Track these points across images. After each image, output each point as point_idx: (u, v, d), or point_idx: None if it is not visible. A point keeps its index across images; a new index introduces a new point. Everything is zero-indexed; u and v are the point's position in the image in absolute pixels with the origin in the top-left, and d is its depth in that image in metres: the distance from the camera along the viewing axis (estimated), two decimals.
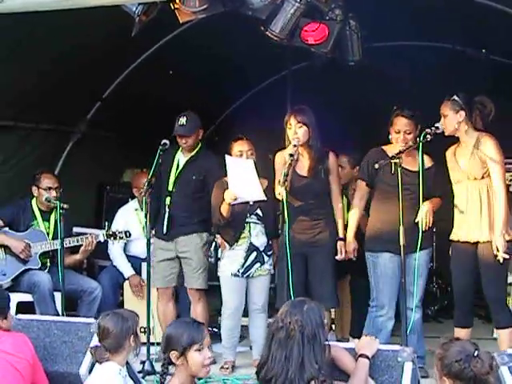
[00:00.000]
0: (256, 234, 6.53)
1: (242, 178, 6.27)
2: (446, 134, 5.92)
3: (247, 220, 6.53)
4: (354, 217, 6.31)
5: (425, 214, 5.99)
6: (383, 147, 6.22)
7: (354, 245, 6.24)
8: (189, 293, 6.85)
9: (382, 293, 6.09)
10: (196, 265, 6.73)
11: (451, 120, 5.87)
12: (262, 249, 6.52)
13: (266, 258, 6.53)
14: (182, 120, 6.70)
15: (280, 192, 5.96)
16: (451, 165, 6.03)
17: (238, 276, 6.50)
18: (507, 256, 5.70)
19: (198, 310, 6.79)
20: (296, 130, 6.18)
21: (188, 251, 6.75)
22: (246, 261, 6.49)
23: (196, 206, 6.79)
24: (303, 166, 6.29)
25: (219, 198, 6.43)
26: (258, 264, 6.51)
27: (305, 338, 3.92)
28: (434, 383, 3.83)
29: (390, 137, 6.19)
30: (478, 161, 5.83)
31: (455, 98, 5.88)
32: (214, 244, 6.69)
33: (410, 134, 6.09)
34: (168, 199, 6.77)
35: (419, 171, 6.04)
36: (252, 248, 6.51)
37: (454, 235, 6.00)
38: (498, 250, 5.70)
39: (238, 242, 6.53)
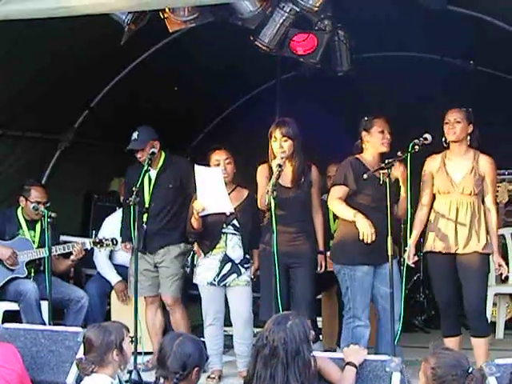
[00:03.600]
0: (232, 246, 6.49)
1: (210, 188, 6.26)
2: (452, 139, 5.94)
3: (224, 230, 6.49)
4: (341, 204, 6.14)
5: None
6: (357, 156, 6.18)
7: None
8: (164, 302, 6.88)
9: (360, 304, 6.05)
10: (171, 273, 6.75)
11: (463, 128, 5.92)
12: (237, 262, 6.48)
13: (242, 270, 6.48)
14: (134, 135, 6.80)
15: (268, 202, 5.93)
16: (438, 174, 6.02)
17: (215, 285, 6.48)
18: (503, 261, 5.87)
19: (176, 318, 6.83)
20: (281, 144, 6.18)
21: (164, 260, 6.78)
22: (221, 270, 6.46)
23: (173, 218, 6.81)
24: (287, 178, 6.27)
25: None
26: (235, 275, 6.46)
27: (289, 356, 3.87)
28: None
29: (363, 146, 6.16)
30: (476, 178, 5.89)
31: (470, 110, 5.96)
32: (191, 253, 6.68)
33: (391, 134, 6.10)
34: (145, 216, 6.79)
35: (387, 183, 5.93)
36: (227, 259, 6.46)
37: (430, 246, 6.02)
38: (500, 266, 5.89)
39: (212, 251, 6.51)
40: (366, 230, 5.85)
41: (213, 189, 6.25)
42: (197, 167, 6.28)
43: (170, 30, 6.00)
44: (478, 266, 5.88)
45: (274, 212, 5.89)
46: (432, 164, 6.11)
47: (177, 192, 6.81)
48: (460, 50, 7.88)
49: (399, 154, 5.92)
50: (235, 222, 6.51)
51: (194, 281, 6.65)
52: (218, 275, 6.46)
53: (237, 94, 9.80)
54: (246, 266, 6.50)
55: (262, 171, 6.34)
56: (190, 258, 6.70)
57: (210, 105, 9.24)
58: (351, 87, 8.09)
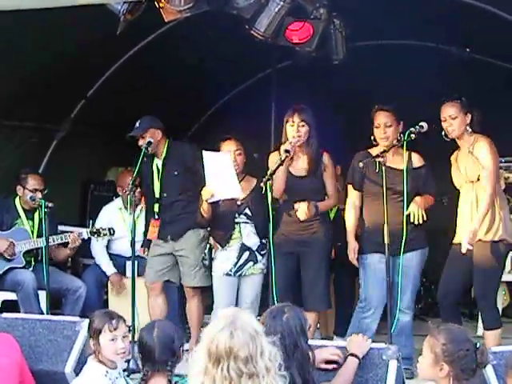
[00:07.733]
0: (247, 234, 6.50)
1: (219, 174, 6.26)
2: (453, 136, 5.91)
3: (236, 220, 6.50)
4: (350, 221, 6.25)
5: (416, 207, 5.95)
6: (369, 150, 6.19)
7: (355, 244, 6.15)
8: (185, 290, 6.92)
9: (371, 294, 6.06)
10: (193, 262, 6.77)
11: (461, 122, 5.86)
12: (254, 248, 6.49)
13: (259, 257, 6.50)
14: (137, 123, 6.85)
15: (265, 190, 5.92)
16: (454, 170, 6.02)
17: (231, 275, 6.49)
18: (471, 247, 5.67)
19: (192, 307, 6.88)
20: (299, 128, 6.18)
21: (184, 249, 6.79)
22: (238, 260, 6.48)
23: (186, 205, 6.82)
24: (300, 166, 6.27)
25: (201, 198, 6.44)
26: (251, 263, 6.48)
27: (287, 349, 3.73)
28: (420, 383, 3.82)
29: (372, 138, 6.19)
30: (472, 163, 5.83)
31: (463, 99, 5.86)
32: (208, 246, 6.68)
33: (390, 126, 6.07)
34: (156, 206, 6.85)
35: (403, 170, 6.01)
36: (244, 248, 6.48)
37: (455, 238, 5.99)
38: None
39: (229, 242, 6.51)
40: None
41: (222, 174, 6.24)
42: (205, 153, 6.28)
43: (166, 20, 5.98)
44: (486, 257, 5.76)
45: (270, 200, 5.90)
46: (452, 161, 6.07)
47: (184, 178, 6.83)
48: (456, 37, 7.88)
49: (395, 142, 5.95)
50: (247, 211, 6.51)
51: (212, 273, 6.65)
52: (235, 265, 6.47)
53: (232, 84, 9.78)
54: (262, 252, 6.50)
55: (273, 158, 6.31)
56: (207, 252, 6.68)
57: (205, 94, 9.23)
58: (346, 76, 8.08)
